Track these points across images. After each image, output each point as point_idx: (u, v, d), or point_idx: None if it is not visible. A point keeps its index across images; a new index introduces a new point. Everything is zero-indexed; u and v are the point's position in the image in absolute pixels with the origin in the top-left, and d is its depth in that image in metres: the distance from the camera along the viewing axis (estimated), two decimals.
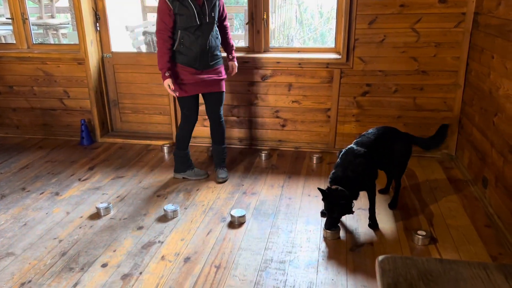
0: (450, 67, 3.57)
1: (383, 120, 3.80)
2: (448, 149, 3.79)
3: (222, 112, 3.39)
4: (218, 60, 3.23)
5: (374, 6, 3.51)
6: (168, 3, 2.94)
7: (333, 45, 3.88)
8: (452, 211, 2.94)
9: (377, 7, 3.51)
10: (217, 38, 3.18)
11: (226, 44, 3.36)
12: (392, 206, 2.99)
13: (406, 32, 3.54)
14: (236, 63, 3.44)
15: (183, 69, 3.12)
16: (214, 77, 3.21)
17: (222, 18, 3.24)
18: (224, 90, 3.33)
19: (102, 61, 4.26)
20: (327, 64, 3.74)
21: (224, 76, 3.29)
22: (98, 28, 4.14)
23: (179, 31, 3.02)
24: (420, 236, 2.57)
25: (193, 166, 3.49)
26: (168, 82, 3.08)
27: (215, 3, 3.07)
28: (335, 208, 2.59)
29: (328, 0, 7.65)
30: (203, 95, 3.30)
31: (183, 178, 3.46)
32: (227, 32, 3.32)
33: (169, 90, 3.12)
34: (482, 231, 2.69)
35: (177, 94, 3.16)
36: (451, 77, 3.60)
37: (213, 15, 3.06)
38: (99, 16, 4.10)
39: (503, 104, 2.74)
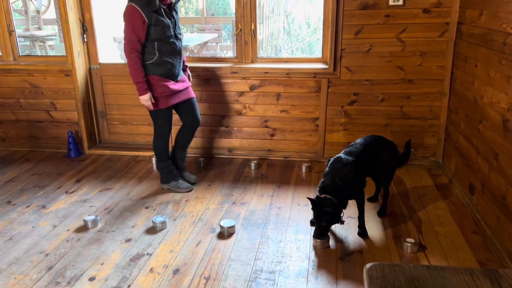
0: (436, 76, 3.63)
1: (371, 128, 3.83)
2: (436, 156, 3.83)
3: (200, 120, 3.45)
4: (183, 68, 3.35)
5: (360, 16, 3.57)
6: (143, 14, 2.90)
7: (320, 55, 3.92)
8: (440, 218, 2.96)
9: (362, 17, 3.57)
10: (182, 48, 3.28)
11: None
12: (381, 214, 3.00)
13: (391, 42, 3.60)
14: (189, 72, 3.49)
15: (161, 81, 3.09)
16: (184, 85, 3.27)
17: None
18: (194, 96, 3.40)
19: (89, 72, 4.24)
20: (315, 74, 3.77)
21: (190, 83, 3.38)
22: (85, 40, 4.13)
23: (155, 43, 3.00)
24: (409, 244, 2.58)
25: (177, 177, 3.44)
26: (149, 95, 3.05)
27: (178, 16, 3.21)
28: (323, 217, 2.59)
29: (315, 11, 7.75)
30: (178, 105, 3.28)
31: (168, 189, 3.43)
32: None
33: (148, 104, 3.09)
34: (470, 238, 2.71)
35: (155, 107, 3.13)
36: (437, 86, 3.65)
37: (179, 26, 3.19)
38: (86, 28, 4.09)
39: (487, 112, 2.78)
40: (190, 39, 6.43)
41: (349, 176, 2.66)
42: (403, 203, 3.18)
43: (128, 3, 2.94)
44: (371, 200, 3.19)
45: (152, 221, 2.90)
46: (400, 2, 3.47)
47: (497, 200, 2.59)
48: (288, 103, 3.93)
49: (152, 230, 2.87)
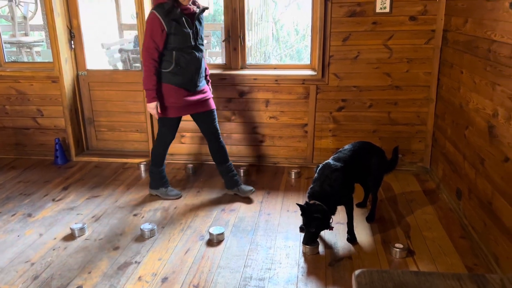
0: (422, 82, 3.68)
1: (359, 134, 3.86)
2: (423, 162, 3.86)
3: (219, 130, 3.34)
4: (204, 80, 3.22)
5: (348, 23, 3.60)
6: (163, 22, 2.86)
7: (308, 62, 3.94)
8: (428, 223, 2.98)
9: (350, 24, 3.60)
10: (203, 59, 3.17)
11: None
12: (369, 219, 3.02)
13: (379, 49, 3.63)
14: (210, 86, 3.37)
15: (175, 91, 3.03)
16: (202, 97, 3.17)
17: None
18: (215, 107, 3.29)
19: (77, 79, 4.21)
20: (303, 80, 3.79)
21: (211, 95, 3.27)
22: (73, 46, 4.10)
23: (174, 52, 2.95)
24: (398, 249, 2.59)
25: (167, 184, 3.42)
26: (155, 104, 3.02)
27: (203, 26, 3.10)
28: (313, 223, 2.59)
29: (303, 18, 7.81)
30: (193, 116, 3.23)
31: (156, 195, 3.40)
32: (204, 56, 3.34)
33: (154, 112, 3.06)
34: (458, 243, 2.74)
35: (163, 115, 3.10)
36: (424, 92, 3.70)
37: (202, 36, 3.09)
38: (73, 34, 4.07)
39: (473, 118, 2.82)
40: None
41: (338, 182, 2.67)
42: (391, 209, 3.19)
43: (151, 10, 2.92)
44: (359, 205, 3.20)
45: (140, 228, 2.88)
46: (387, 10, 3.52)
47: (483, 205, 2.62)
48: (277, 110, 3.94)
49: (140, 238, 2.84)
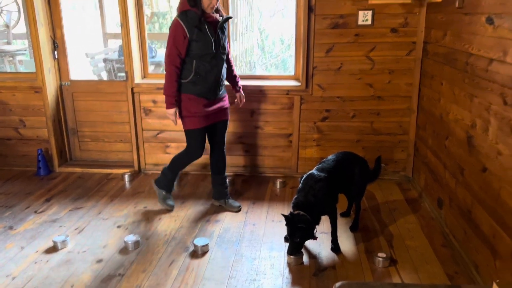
0: (404, 93, 3.75)
1: (343, 144, 3.90)
2: (406, 171, 3.92)
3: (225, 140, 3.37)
4: (224, 89, 3.21)
5: (331, 35, 3.66)
6: (185, 29, 2.87)
7: (293, 72, 3.98)
8: (410, 231, 3.02)
9: (333, 36, 3.66)
10: (225, 67, 3.16)
11: (233, 77, 3.32)
12: (353, 229, 3.05)
13: (361, 60, 3.70)
14: (243, 93, 3.39)
15: (195, 101, 3.03)
16: (222, 105, 3.18)
17: (227, 52, 3.21)
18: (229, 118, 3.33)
19: (60, 89, 4.18)
20: (288, 91, 3.83)
21: (228, 104, 3.28)
22: (56, 56, 4.07)
23: (194, 60, 2.95)
24: (381, 258, 2.62)
25: (171, 191, 3.38)
26: (174, 110, 3.02)
27: (226, 35, 3.09)
28: (297, 233, 2.61)
29: (288, 28, 7.88)
30: (211, 124, 3.20)
31: (155, 192, 3.39)
32: (232, 65, 3.31)
33: (172, 118, 3.06)
34: (439, 251, 2.78)
35: (184, 126, 3.11)
36: (405, 102, 3.77)
37: (225, 45, 3.07)
38: (57, 44, 4.04)
39: (453, 128, 2.89)
40: (164, 55, 6.42)
41: (322, 192, 2.70)
42: (374, 218, 3.23)
43: (175, 17, 2.94)
44: (343, 215, 3.23)
45: (124, 240, 2.85)
46: (369, 22, 3.59)
47: (464, 214, 2.67)
48: (262, 119, 3.96)
49: (124, 250, 2.82)
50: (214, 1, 2.87)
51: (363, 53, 3.68)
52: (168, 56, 2.95)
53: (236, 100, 3.39)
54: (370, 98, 3.79)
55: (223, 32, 3.04)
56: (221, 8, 3.06)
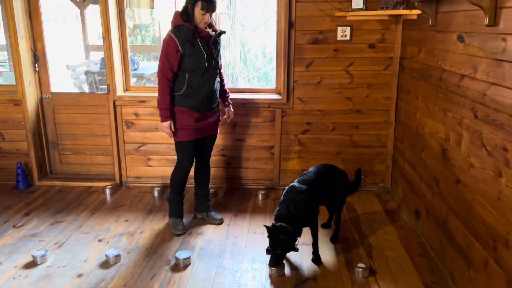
0: (382, 107, 3.85)
1: (323, 156, 3.97)
2: (384, 182, 4.01)
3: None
4: (217, 103, 3.24)
5: (311, 50, 3.75)
6: (178, 43, 2.91)
7: (274, 86, 4.05)
8: (389, 242, 3.09)
9: (313, 51, 3.75)
10: (218, 81, 3.20)
11: (223, 91, 3.33)
12: (334, 240, 3.10)
13: (340, 75, 3.79)
14: (232, 109, 3.41)
15: (187, 114, 3.05)
16: (213, 120, 3.21)
17: (220, 66, 3.25)
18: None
19: (41, 102, 4.15)
20: (269, 104, 3.89)
21: (220, 118, 3.31)
22: (37, 69, 4.06)
23: (187, 74, 2.98)
24: (360, 269, 2.67)
25: (181, 215, 3.31)
26: (169, 123, 3.02)
27: (219, 49, 3.13)
28: (279, 245, 2.64)
29: (270, 41, 8.00)
30: (200, 138, 3.21)
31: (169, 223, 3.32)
32: (223, 79, 3.33)
33: (167, 131, 3.05)
34: (417, 261, 2.85)
35: (176, 138, 3.10)
36: (383, 116, 3.87)
37: (218, 60, 3.10)
38: (38, 57, 4.02)
39: (428, 141, 2.98)
40: (146, 67, 6.44)
41: (303, 204, 2.75)
42: (354, 229, 3.29)
43: (168, 31, 2.97)
44: (324, 226, 3.28)
45: (105, 254, 2.84)
46: (347, 38, 3.69)
47: (440, 225, 2.75)
48: (244, 132, 4.01)
49: (105, 264, 2.80)
50: (206, 17, 2.91)
51: (342, 68, 3.78)
52: (161, 69, 2.97)
53: (224, 116, 3.39)
54: (349, 111, 3.88)
55: (216, 47, 3.08)
56: (214, 23, 3.09)
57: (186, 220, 3.41)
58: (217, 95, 3.21)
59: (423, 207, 3.06)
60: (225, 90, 3.35)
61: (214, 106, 3.18)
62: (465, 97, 2.38)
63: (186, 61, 2.96)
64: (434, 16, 2.85)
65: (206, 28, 3.00)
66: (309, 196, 2.79)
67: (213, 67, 3.06)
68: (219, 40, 3.13)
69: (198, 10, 2.87)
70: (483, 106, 2.17)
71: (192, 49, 2.94)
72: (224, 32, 3.12)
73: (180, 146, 3.15)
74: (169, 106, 3.02)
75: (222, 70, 3.32)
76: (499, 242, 2.00)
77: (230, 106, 3.39)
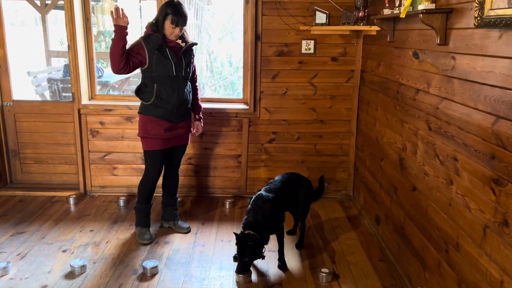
0: (344, 117, 4.01)
1: (289, 164, 4.08)
2: (347, 189, 4.17)
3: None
4: (189, 113, 3.26)
5: (276, 62, 3.87)
6: (145, 49, 2.94)
7: (241, 96, 4.14)
8: (351, 247, 3.22)
9: (278, 63, 3.87)
10: (190, 92, 3.20)
11: (195, 104, 3.32)
12: (299, 246, 3.19)
13: (305, 86, 3.93)
14: (202, 123, 3.40)
15: (157, 123, 3.04)
16: (183, 131, 3.21)
17: (193, 78, 3.28)
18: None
19: (1, 109, 4.04)
20: (237, 114, 3.97)
21: (191, 129, 3.33)
22: None
23: (155, 84, 2.99)
24: (324, 274, 2.78)
25: (147, 225, 3.30)
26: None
27: (190, 60, 3.13)
28: (246, 252, 2.71)
29: (236, 51, 8.09)
30: (168, 148, 3.20)
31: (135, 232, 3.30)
32: (197, 93, 3.33)
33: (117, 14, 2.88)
34: (377, 265, 2.99)
35: (144, 147, 3.11)
36: (345, 126, 4.03)
37: (188, 70, 3.11)
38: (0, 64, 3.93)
39: (387, 150, 3.15)
40: (110, 75, 6.37)
41: (270, 212, 2.83)
42: (318, 235, 3.41)
43: (138, 38, 3.02)
44: (289, 233, 3.37)
45: (70, 265, 2.80)
46: (311, 51, 3.84)
47: (398, 230, 2.90)
48: (211, 141, 4.06)
49: (70, 275, 2.77)
50: (176, 31, 2.96)
51: (306, 79, 3.92)
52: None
53: (193, 130, 3.37)
54: (313, 121, 4.01)
55: (186, 57, 3.09)
56: (187, 35, 3.12)
57: (153, 229, 3.41)
58: (189, 105, 3.22)
59: (383, 213, 3.21)
60: (198, 104, 3.35)
61: (184, 116, 3.19)
62: (420, 110, 2.55)
63: (153, 69, 2.98)
64: (392, 33, 3.03)
65: (176, 40, 3.04)
66: (276, 204, 2.88)
67: (182, 77, 3.08)
68: (191, 51, 3.16)
69: (168, 23, 2.93)
70: (436, 118, 2.34)
71: (160, 57, 2.96)
72: (195, 43, 3.15)
73: (148, 155, 3.16)
74: (124, 47, 2.91)
75: (197, 84, 3.34)
76: (450, 245, 2.16)
77: (201, 120, 3.38)
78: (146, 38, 2.99)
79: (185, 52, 3.08)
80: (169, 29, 2.94)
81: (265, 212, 2.82)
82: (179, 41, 3.06)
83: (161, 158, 3.18)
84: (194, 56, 3.20)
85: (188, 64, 3.12)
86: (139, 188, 3.26)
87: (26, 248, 3.08)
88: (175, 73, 3.02)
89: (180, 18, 2.92)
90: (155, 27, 2.98)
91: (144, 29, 3.08)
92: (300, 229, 3.26)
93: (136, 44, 3.00)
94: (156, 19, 2.98)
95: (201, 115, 3.39)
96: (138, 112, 3.14)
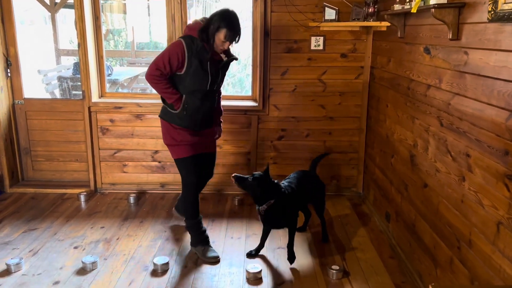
0: (353, 114, 3.99)
1: (298, 162, 4.07)
2: (357, 187, 4.15)
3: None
4: (212, 120, 3.04)
5: (285, 59, 3.86)
6: (186, 53, 2.66)
7: (250, 93, 4.14)
8: (361, 244, 3.21)
9: (288, 60, 3.86)
10: (216, 100, 3.02)
11: (217, 110, 3.10)
12: (324, 239, 3.24)
13: (314, 83, 3.92)
14: (221, 128, 3.20)
15: (181, 130, 2.86)
16: (208, 139, 3.04)
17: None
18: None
19: (13, 107, 4.08)
20: (245, 111, 3.97)
21: (217, 136, 3.15)
22: (9, 74, 3.99)
23: (184, 95, 2.77)
24: (334, 271, 2.77)
25: (207, 242, 3.03)
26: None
27: (225, 74, 2.94)
28: (256, 179, 2.81)
29: (245, 48, 8.09)
30: (197, 156, 2.97)
31: (195, 253, 3.02)
32: (220, 99, 3.13)
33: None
34: (387, 262, 2.97)
35: (174, 156, 2.92)
36: (355, 123, 4.01)
37: (221, 84, 2.94)
38: (10, 62, 3.96)
39: (397, 147, 3.13)
40: (120, 73, 6.41)
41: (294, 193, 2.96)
42: (328, 232, 3.39)
43: (179, 38, 2.76)
44: (299, 230, 3.37)
45: (82, 261, 2.83)
46: (321, 47, 3.82)
47: (408, 227, 2.89)
48: (221, 138, 4.04)
49: (81, 271, 2.79)
50: (226, 44, 2.72)
51: (315, 76, 3.90)
52: (150, 66, 2.70)
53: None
54: (322, 118, 4.00)
55: (223, 72, 2.91)
56: (231, 48, 2.89)
57: (163, 226, 3.43)
58: (213, 114, 3.02)
59: (393, 211, 3.19)
60: (220, 110, 3.15)
61: (208, 123, 2.99)
62: (431, 106, 2.53)
63: (187, 79, 2.73)
64: (402, 29, 3.00)
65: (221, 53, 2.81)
66: (296, 197, 2.97)
67: (214, 91, 2.90)
68: (229, 65, 2.95)
69: (220, 37, 2.66)
70: (447, 114, 2.31)
71: (198, 69, 2.70)
72: (236, 58, 2.90)
73: (180, 164, 2.95)
74: (176, 92, 2.75)
75: (220, 89, 3.08)
76: (462, 242, 2.14)
77: (221, 125, 3.19)
78: (188, 40, 2.69)
79: (224, 66, 2.87)
80: (219, 42, 2.68)
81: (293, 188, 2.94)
82: (223, 55, 2.83)
83: (195, 164, 2.93)
84: (228, 70, 2.97)
85: (223, 77, 2.93)
86: (183, 205, 3.13)
87: (38, 245, 3.11)
88: (209, 87, 2.80)
89: (235, 35, 2.68)
90: (204, 35, 2.68)
91: (182, 31, 2.83)
92: (321, 224, 3.27)
93: (177, 51, 2.68)
94: (206, 26, 2.68)
95: (221, 120, 3.19)
96: (160, 116, 2.93)
